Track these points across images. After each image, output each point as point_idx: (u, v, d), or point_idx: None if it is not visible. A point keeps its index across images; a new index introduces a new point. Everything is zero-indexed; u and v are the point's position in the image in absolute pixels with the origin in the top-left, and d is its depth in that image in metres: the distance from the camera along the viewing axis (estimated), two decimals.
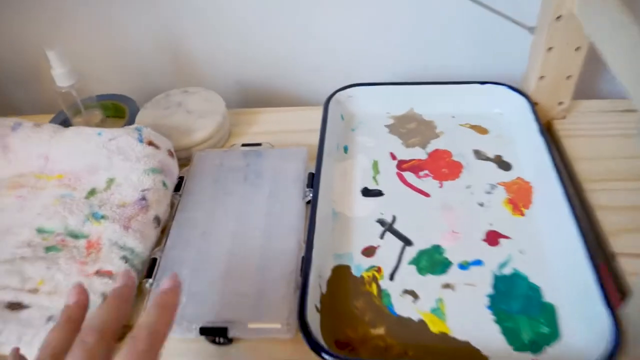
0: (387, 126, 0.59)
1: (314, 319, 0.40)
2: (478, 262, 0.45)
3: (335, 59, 0.69)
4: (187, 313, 0.41)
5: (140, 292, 0.44)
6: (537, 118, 0.53)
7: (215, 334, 0.40)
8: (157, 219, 0.47)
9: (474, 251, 0.46)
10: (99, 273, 0.41)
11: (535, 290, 0.43)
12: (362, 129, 0.59)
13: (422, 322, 0.42)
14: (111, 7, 0.64)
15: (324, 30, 0.66)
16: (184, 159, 0.55)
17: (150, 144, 0.49)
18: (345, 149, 0.57)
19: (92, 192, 0.46)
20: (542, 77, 0.54)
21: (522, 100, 0.56)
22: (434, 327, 0.41)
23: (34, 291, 0.40)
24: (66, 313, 0.31)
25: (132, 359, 0.27)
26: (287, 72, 0.70)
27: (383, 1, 0.63)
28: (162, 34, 0.67)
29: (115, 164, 0.47)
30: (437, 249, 0.47)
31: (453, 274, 0.44)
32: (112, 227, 0.43)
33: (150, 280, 0.44)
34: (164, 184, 0.48)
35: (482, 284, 0.44)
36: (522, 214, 0.49)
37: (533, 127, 0.52)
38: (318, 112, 0.57)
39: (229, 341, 0.41)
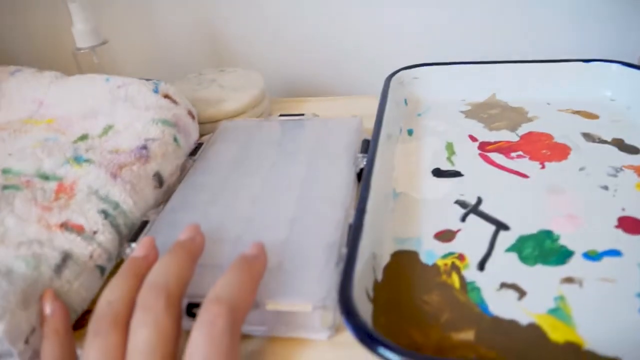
0: (462, 112, 0.47)
1: (364, 307, 0.26)
2: (614, 253, 0.30)
3: (396, 44, 0.58)
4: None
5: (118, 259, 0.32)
6: None
7: None
8: (158, 177, 0.35)
9: (604, 239, 0.31)
10: (65, 225, 0.30)
11: None
12: (431, 114, 0.47)
13: (535, 327, 0.26)
14: None
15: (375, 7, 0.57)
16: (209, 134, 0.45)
17: (167, 97, 0.39)
18: (410, 132, 0.45)
19: (82, 138, 0.36)
20: None
21: None
22: (556, 335, 0.26)
23: None
24: (129, 266, 0.27)
25: (210, 336, 0.23)
26: (336, 61, 0.61)
27: None
28: (200, 19, 0.60)
29: (119, 111, 0.37)
30: (547, 234, 0.32)
31: (577, 266, 0.29)
32: (96, 171, 0.32)
33: (134, 245, 0.31)
34: (176, 140, 0.37)
35: (625, 279, 0.28)
36: None
37: None
38: (376, 101, 0.46)
39: None
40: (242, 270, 0.26)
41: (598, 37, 0.53)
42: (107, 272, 0.31)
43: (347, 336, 0.28)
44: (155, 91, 0.39)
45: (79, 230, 0.30)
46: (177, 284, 0.26)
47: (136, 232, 0.32)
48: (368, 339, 0.23)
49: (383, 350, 0.22)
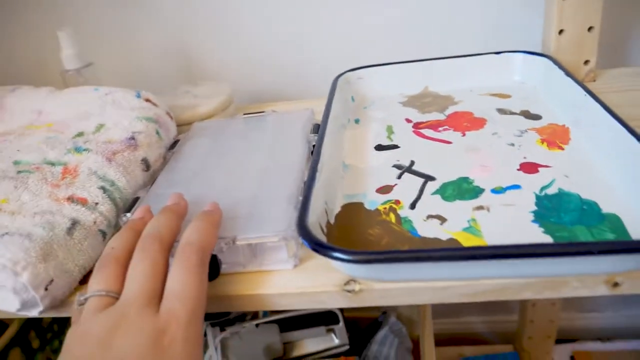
0: (400, 102, 0.56)
1: (318, 236, 0.33)
2: (515, 187, 0.38)
3: (344, 50, 0.68)
4: None
5: (116, 228, 0.38)
6: (567, 71, 0.48)
7: None
8: (145, 162, 0.42)
9: (508, 179, 0.39)
10: (71, 199, 0.36)
11: (590, 204, 0.35)
12: (375, 106, 0.56)
13: (452, 241, 0.34)
14: (125, 11, 0.67)
15: (326, 21, 0.66)
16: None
17: (148, 100, 0.46)
18: (357, 121, 0.53)
19: (79, 135, 0.43)
20: (561, 32, 0.51)
21: (543, 61, 0.52)
22: (468, 243, 0.33)
23: None
24: (129, 224, 0.34)
25: (189, 274, 0.29)
26: (294, 69, 0.69)
27: None
28: (170, 39, 0.68)
29: (108, 112, 0.44)
30: (464, 179, 0.40)
31: (486, 198, 0.37)
32: (94, 157, 0.39)
33: (128, 215, 0.38)
34: (158, 133, 0.44)
35: (522, 203, 0.36)
36: (561, 149, 0.42)
37: (563, 80, 0.47)
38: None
39: (215, 271, 0.33)
40: (204, 220, 0.33)
41: (507, 29, 0.63)
42: (107, 236, 0.37)
43: (309, 265, 0.35)
44: (138, 96, 0.46)
45: (83, 202, 0.36)
46: (168, 234, 0.32)
47: (130, 205, 0.39)
48: (320, 247, 0.30)
49: (336, 253, 0.29)
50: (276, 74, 0.70)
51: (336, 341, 0.70)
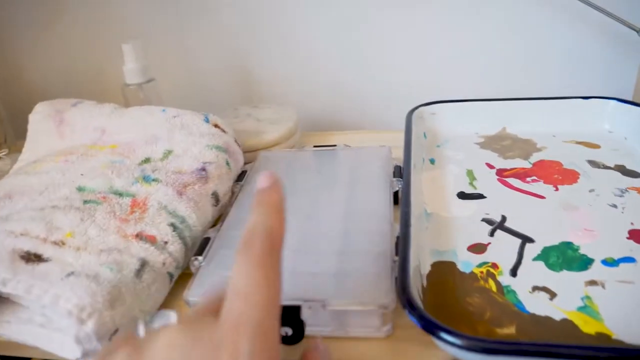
0: (477, 144, 0.52)
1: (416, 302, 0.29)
2: (629, 259, 0.34)
3: (415, 82, 0.64)
4: None
5: (188, 270, 0.35)
6: None
7: (283, 317, 0.29)
8: (215, 196, 0.39)
9: (619, 249, 0.35)
10: (140, 236, 0.33)
11: None
12: (449, 146, 0.52)
13: (568, 322, 0.30)
14: (184, 33, 0.64)
15: (398, 50, 0.63)
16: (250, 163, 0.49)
17: (217, 126, 0.43)
18: (432, 161, 0.49)
19: (146, 160, 0.39)
20: None
21: (637, 111, 0.48)
22: (588, 328, 0.29)
23: (60, 244, 0.31)
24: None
25: (253, 266, 0.21)
26: (359, 98, 0.66)
27: (464, 20, 0.60)
28: (231, 59, 0.65)
29: (177, 137, 0.41)
30: (568, 245, 0.36)
31: (597, 271, 0.33)
32: (164, 189, 0.36)
33: (200, 259, 0.34)
34: (228, 163, 0.41)
35: None
36: None
37: None
38: (398, 135, 0.50)
39: (299, 334, 0.30)
40: (262, 203, 0.24)
41: (595, 75, 0.59)
42: (174, 278, 0.34)
43: (400, 333, 0.31)
44: (206, 121, 0.43)
45: (152, 240, 0.33)
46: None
47: (200, 246, 0.35)
48: (431, 326, 0.26)
49: (446, 335, 0.26)
50: (340, 100, 0.67)
51: None
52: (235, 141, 0.45)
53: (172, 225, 0.34)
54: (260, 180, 0.25)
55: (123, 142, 0.41)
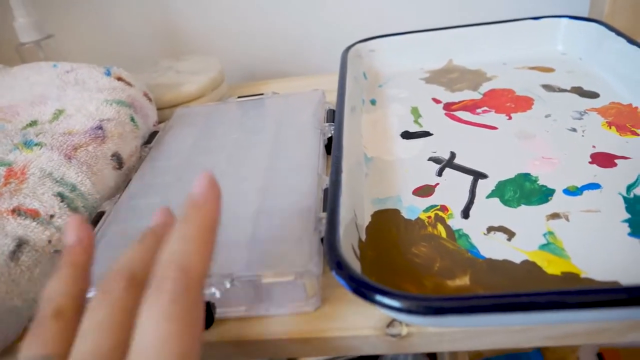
0: (422, 79, 0.47)
1: (352, 262, 0.24)
2: (594, 186, 0.30)
3: (351, 19, 0.58)
4: None
5: None
6: (629, 38, 0.40)
7: None
8: (117, 157, 0.32)
9: (582, 175, 0.31)
10: (17, 211, 0.27)
11: None
12: (392, 84, 0.46)
13: (530, 263, 0.25)
14: None
15: None
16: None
17: (120, 79, 0.37)
18: (373, 102, 0.44)
19: (32, 124, 0.33)
20: None
21: (594, 28, 0.44)
22: (553, 268, 0.25)
23: None
24: (67, 258, 0.21)
25: (163, 318, 0.17)
26: (294, 43, 0.59)
27: None
28: (153, 9, 0.57)
29: (70, 95, 0.34)
30: (526, 176, 0.31)
31: (559, 202, 0.29)
32: (48, 154, 0.29)
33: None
34: (133, 120, 0.35)
35: (608, 209, 0.28)
36: (636, 134, 0.34)
37: (625, 49, 0.39)
38: (335, 77, 0.44)
39: (208, 319, 0.25)
40: (190, 223, 0.20)
41: None
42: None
43: (332, 308, 0.26)
44: (107, 74, 0.36)
45: (33, 214, 0.27)
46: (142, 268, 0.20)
47: (93, 222, 0.29)
48: (362, 287, 0.21)
49: (380, 297, 0.21)
50: (272, 46, 0.60)
51: None
52: (145, 95, 0.38)
53: (60, 195, 0.28)
54: (196, 185, 0.21)
55: (5, 105, 0.34)
